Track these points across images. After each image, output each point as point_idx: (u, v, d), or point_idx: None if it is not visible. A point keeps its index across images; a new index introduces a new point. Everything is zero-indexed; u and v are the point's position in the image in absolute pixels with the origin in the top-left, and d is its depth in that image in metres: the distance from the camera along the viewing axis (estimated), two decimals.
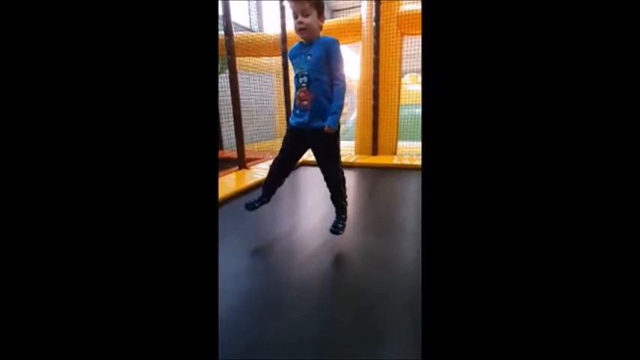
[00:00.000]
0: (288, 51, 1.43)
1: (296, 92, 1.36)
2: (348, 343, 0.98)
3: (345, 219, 1.52)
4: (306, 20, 1.26)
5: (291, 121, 1.41)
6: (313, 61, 1.30)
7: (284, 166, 1.49)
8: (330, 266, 1.45)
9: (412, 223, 1.86)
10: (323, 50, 1.30)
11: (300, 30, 1.28)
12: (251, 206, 1.60)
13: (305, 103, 1.32)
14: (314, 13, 1.27)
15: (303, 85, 1.32)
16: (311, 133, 1.36)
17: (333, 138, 1.38)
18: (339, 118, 1.28)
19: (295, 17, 1.27)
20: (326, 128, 1.25)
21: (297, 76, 1.35)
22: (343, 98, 1.31)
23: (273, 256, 1.54)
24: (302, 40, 1.34)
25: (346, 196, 1.52)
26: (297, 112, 1.37)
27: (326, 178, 1.46)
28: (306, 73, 1.31)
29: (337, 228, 1.48)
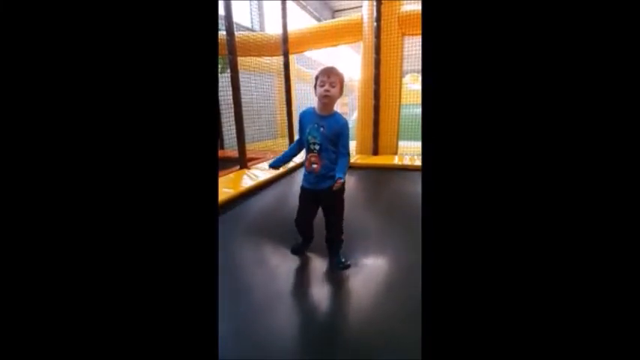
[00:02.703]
0: (300, 114, 1.60)
1: (307, 155, 1.56)
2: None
3: (340, 254, 1.65)
4: (332, 90, 1.45)
5: (303, 182, 1.62)
6: (326, 133, 1.49)
7: (305, 218, 1.68)
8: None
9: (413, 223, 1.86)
10: (335, 129, 1.50)
11: (324, 97, 1.47)
12: (297, 251, 1.77)
13: (315, 166, 1.54)
14: (338, 87, 1.47)
15: (315, 151, 1.53)
16: (320, 193, 1.57)
17: (340, 194, 1.58)
18: (345, 173, 1.47)
19: (322, 85, 1.46)
20: (338, 181, 1.43)
21: (309, 142, 1.54)
22: (347, 166, 1.51)
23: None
24: (320, 104, 1.51)
25: (342, 242, 1.66)
26: (307, 173, 1.59)
27: (327, 226, 1.63)
28: (318, 142, 1.51)
29: (342, 263, 1.60)
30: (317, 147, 1.49)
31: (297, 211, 1.66)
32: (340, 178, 1.43)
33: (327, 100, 1.47)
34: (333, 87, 1.45)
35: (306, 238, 1.75)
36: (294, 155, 1.69)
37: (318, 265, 1.61)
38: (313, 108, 1.55)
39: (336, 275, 1.50)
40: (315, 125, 1.50)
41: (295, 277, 1.55)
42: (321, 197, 1.57)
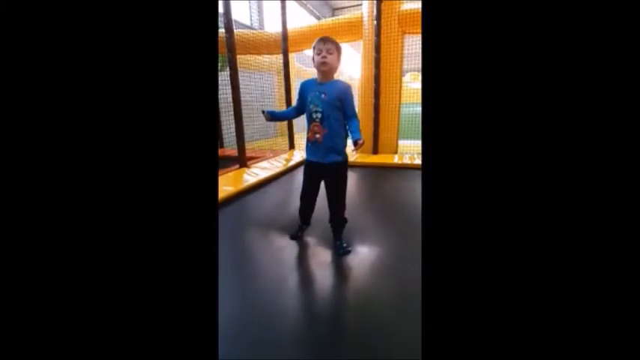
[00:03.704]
0: (301, 83, 1.57)
1: (309, 126, 1.52)
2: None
3: (342, 239, 1.65)
4: (330, 57, 1.44)
5: (307, 155, 1.59)
6: (327, 99, 1.46)
7: (309, 195, 1.66)
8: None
9: (413, 224, 1.86)
10: (337, 93, 1.46)
11: (322, 64, 1.45)
12: (295, 236, 1.77)
13: (318, 136, 1.50)
14: (335, 54, 1.46)
15: (317, 120, 1.48)
16: (324, 167, 1.53)
17: (344, 171, 1.57)
18: (360, 133, 1.45)
19: (319, 53, 1.44)
20: (358, 142, 1.40)
21: (310, 112, 1.50)
22: (359, 128, 1.48)
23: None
24: (319, 73, 1.49)
25: (345, 222, 1.65)
26: (310, 145, 1.54)
27: (330, 205, 1.61)
28: (320, 110, 1.47)
29: (344, 249, 1.60)
30: (319, 115, 1.46)
31: (302, 186, 1.65)
32: (359, 139, 1.41)
33: (325, 68, 1.46)
34: (331, 54, 1.44)
35: (304, 220, 1.75)
36: (288, 116, 1.69)
37: (317, 249, 1.64)
38: (315, 78, 1.53)
39: (337, 261, 1.52)
40: (317, 93, 1.48)
41: (295, 261, 1.58)
42: (326, 172, 1.55)
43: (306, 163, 1.61)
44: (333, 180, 1.57)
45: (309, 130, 1.52)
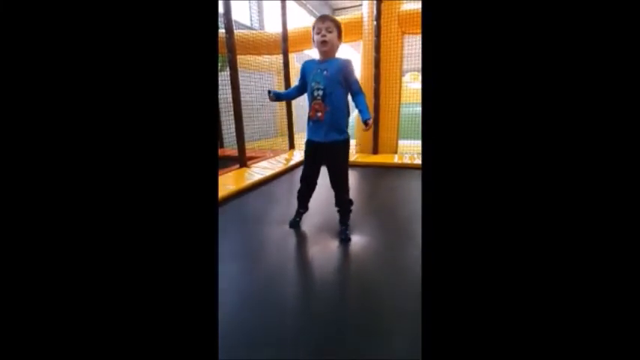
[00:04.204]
0: (303, 64, 1.55)
1: (310, 104, 1.48)
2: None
3: (349, 226, 1.63)
4: (329, 35, 1.41)
5: (308, 134, 1.54)
6: (329, 75, 1.43)
7: (310, 176, 1.62)
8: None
9: (413, 224, 1.86)
10: (339, 69, 1.43)
11: (322, 43, 1.42)
12: (294, 223, 1.76)
13: (319, 114, 1.45)
14: (335, 32, 1.43)
15: (318, 97, 1.44)
16: (327, 146, 1.50)
17: (346, 150, 1.54)
18: (368, 110, 1.44)
19: (319, 32, 1.41)
20: (368, 122, 1.39)
21: (312, 89, 1.46)
22: (365, 103, 1.47)
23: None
24: (320, 53, 1.46)
25: (352, 203, 1.63)
26: (311, 124, 1.50)
27: (334, 186, 1.58)
28: (321, 86, 1.43)
29: (346, 235, 1.59)
30: (320, 92, 1.44)
31: (303, 167, 1.63)
32: (368, 118, 1.41)
33: (325, 48, 1.43)
34: (330, 32, 1.41)
35: (302, 204, 1.73)
36: (291, 96, 1.67)
37: (317, 250, 1.65)
38: (316, 59, 1.52)
39: (337, 258, 1.52)
40: (318, 70, 1.46)
41: (294, 248, 1.60)
42: (328, 151, 1.52)
43: (307, 143, 1.57)
44: (335, 160, 1.53)
45: (310, 109, 1.49)
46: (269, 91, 1.59)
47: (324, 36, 1.41)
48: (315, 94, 1.45)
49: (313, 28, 1.44)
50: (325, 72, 1.43)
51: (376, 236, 1.70)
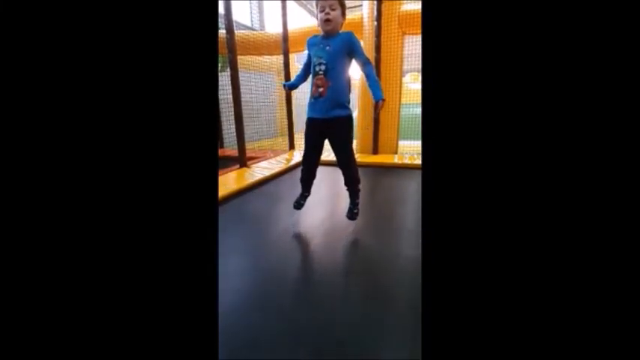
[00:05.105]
0: (307, 40, 1.53)
1: (313, 80, 1.45)
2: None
3: (358, 204, 1.62)
4: (333, 13, 1.38)
5: (309, 113, 1.49)
6: (332, 51, 1.40)
7: (311, 157, 1.59)
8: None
9: (412, 224, 1.86)
10: (343, 43, 1.40)
11: (326, 21, 1.39)
12: (298, 205, 1.74)
13: (321, 90, 1.42)
14: (339, 10, 1.40)
15: (321, 72, 1.42)
16: (329, 123, 1.45)
17: (349, 126, 1.49)
18: (380, 88, 1.39)
19: (322, 10, 1.38)
20: (380, 103, 1.35)
21: (314, 65, 1.44)
22: (375, 74, 1.42)
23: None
24: (324, 31, 1.43)
25: (359, 181, 1.61)
26: (313, 100, 1.46)
27: (341, 165, 1.55)
28: (324, 62, 1.41)
29: (352, 213, 1.60)
30: (322, 67, 1.42)
31: (304, 147, 1.60)
32: (380, 99, 1.37)
33: (329, 27, 1.41)
34: (334, 10, 1.39)
35: (305, 187, 1.72)
36: (302, 77, 1.64)
37: (316, 248, 1.65)
38: (318, 35, 1.50)
39: (339, 254, 1.52)
40: (321, 46, 1.44)
41: (294, 248, 1.60)
42: (330, 128, 1.49)
43: (308, 121, 1.54)
44: (338, 136, 1.50)
45: (312, 85, 1.47)
46: (284, 85, 1.61)
47: (327, 14, 1.39)
48: (317, 69, 1.44)
49: (316, 5, 1.41)
50: (328, 47, 1.42)
51: (376, 236, 1.70)
